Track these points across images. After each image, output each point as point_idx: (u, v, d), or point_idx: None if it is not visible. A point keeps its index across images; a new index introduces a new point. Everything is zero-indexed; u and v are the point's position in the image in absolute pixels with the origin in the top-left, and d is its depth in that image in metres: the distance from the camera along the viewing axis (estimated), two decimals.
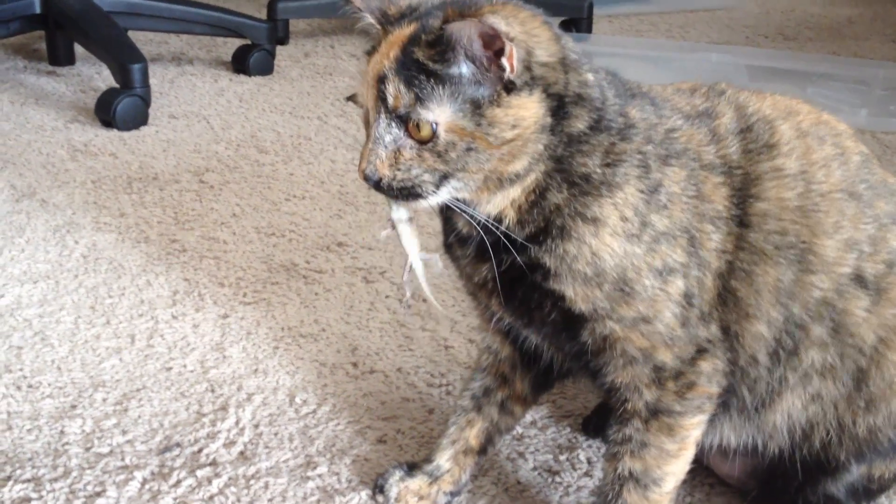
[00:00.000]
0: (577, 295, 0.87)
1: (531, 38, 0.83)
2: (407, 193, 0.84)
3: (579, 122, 0.85)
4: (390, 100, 0.82)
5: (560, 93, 0.84)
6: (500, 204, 0.87)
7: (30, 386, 1.22)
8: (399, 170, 0.83)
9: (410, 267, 0.90)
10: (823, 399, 0.93)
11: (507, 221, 0.87)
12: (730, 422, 0.96)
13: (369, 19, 0.88)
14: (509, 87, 0.82)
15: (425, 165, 0.83)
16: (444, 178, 0.84)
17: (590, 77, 0.86)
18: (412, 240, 0.90)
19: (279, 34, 2.77)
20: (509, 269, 0.89)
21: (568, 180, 0.85)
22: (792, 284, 0.89)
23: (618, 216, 0.85)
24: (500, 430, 1.05)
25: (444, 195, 0.85)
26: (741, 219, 0.89)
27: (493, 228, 0.86)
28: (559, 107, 0.84)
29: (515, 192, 0.86)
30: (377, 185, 0.84)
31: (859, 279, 0.90)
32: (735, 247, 0.89)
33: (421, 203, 0.85)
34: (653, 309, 0.87)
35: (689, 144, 0.89)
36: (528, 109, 0.82)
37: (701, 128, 0.91)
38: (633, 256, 0.85)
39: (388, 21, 0.87)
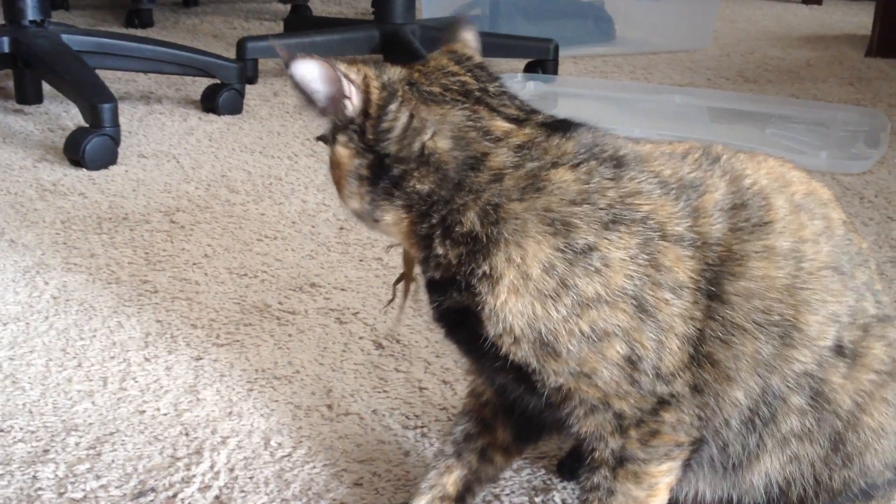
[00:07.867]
0: (506, 344, 0.86)
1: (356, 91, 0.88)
2: None
3: (420, 185, 0.87)
4: None
5: (380, 151, 0.88)
6: (397, 239, 0.92)
7: (0, 430, 1.21)
8: None
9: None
10: (801, 460, 0.93)
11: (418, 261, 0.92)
12: (704, 477, 0.96)
13: None
14: (337, 127, 0.90)
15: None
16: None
17: (441, 144, 0.87)
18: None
19: (248, 73, 2.79)
20: (448, 309, 0.91)
21: (450, 237, 0.87)
22: (772, 358, 0.88)
23: (516, 273, 0.84)
24: (479, 479, 1.04)
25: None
26: (712, 293, 0.87)
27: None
28: (381, 164, 0.88)
29: (394, 237, 0.92)
30: None
31: (839, 349, 0.90)
32: (705, 315, 0.87)
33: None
34: (587, 367, 0.86)
35: (653, 214, 0.86)
36: (340, 155, 0.90)
37: (678, 201, 0.88)
38: (545, 319, 0.84)
39: None
